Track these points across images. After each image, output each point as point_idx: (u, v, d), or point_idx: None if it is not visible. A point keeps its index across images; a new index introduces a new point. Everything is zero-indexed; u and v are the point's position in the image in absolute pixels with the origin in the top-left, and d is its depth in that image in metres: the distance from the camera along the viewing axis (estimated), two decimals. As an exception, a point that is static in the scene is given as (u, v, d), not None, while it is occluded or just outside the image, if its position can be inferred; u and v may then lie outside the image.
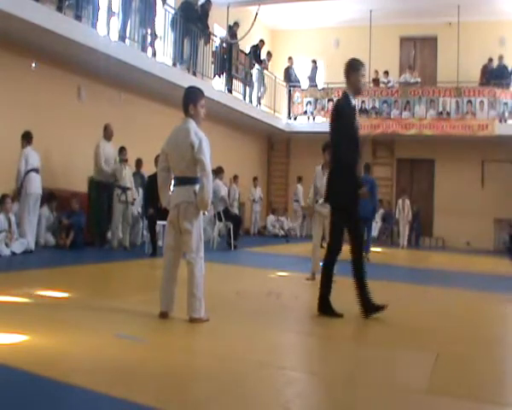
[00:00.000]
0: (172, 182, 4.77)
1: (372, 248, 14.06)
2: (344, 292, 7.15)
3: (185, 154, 4.52)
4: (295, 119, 18.49)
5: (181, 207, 4.54)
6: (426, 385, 3.26)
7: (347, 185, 5.16)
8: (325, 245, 6.13)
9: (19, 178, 8.68)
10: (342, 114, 5.21)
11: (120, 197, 10.29)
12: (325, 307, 5.29)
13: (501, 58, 16.82)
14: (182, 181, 4.60)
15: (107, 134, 10.33)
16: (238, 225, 12.38)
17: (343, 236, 5.53)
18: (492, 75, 16.74)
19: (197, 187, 4.54)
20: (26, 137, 8.81)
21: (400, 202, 15.99)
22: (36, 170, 8.82)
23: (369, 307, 5.18)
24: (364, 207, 11.49)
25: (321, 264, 7.70)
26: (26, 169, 8.66)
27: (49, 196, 9.61)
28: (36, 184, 8.81)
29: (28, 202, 8.71)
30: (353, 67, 5.24)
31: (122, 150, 10.52)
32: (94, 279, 6.72)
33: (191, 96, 4.70)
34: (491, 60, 16.90)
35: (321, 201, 7.65)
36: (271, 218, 18.14)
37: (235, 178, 16.03)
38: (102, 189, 10.21)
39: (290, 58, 18.77)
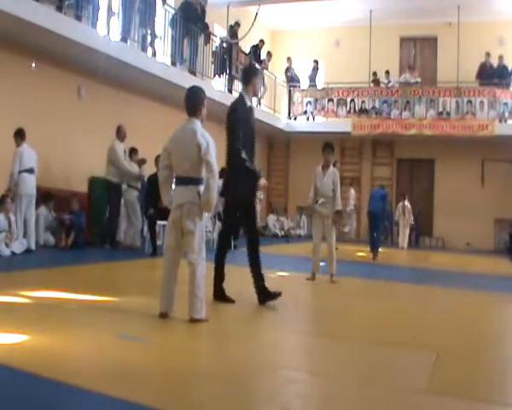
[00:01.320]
0: (174, 181, 4.76)
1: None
2: (343, 290, 7.17)
3: (191, 154, 4.51)
4: (295, 119, 18.49)
5: (184, 207, 4.53)
6: (426, 385, 3.26)
7: (244, 182, 5.49)
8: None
9: (12, 179, 8.50)
10: (237, 114, 5.56)
11: (139, 199, 10.30)
12: (218, 294, 5.55)
13: (501, 58, 16.81)
14: (185, 181, 4.59)
15: (121, 135, 10.24)
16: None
17: (234, 229, 5.90)
18: (492, 75, 16.73)
19: (201, 188, 4.53)
20: (20, 135, 8.61)
21: (400, 205, 15.78)
22: (29, 170, 8.64)
23: (265, 295, 5.49)
24: (375, 204, 12.01)
25: (321, 264, 7.76)
26: (18, 170, 8.51)
27: (46, 196, 9.58)
28: (29, 185, 8.67)
29: (21, 202, 8.62)
30: (254, 72, 5.73)
31: (135, 151, 10.47)
32: (94, 279, 6.72)
33: (200, 98, 4.73)
34: (488, 54, 16.86)
35: (320, 201, 7.66)
36: (271, 217, 18.13)
37: None
38: (113, 190, 10.14)
39: (289, 58, 18.77)
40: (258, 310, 5.45)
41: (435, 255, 14.97)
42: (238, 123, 5.49)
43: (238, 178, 5.50)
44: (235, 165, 5.53)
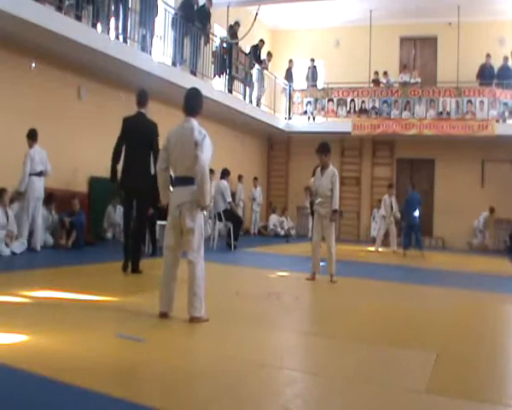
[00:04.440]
0: (172, 182, 4.79)
1: (371, 248, 14.05)
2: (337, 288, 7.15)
3: (190, 153, 4.55)
4: (294, 119, 18.49)
5: (183, 207, 4.56)
6: (426, 385, 3.26)
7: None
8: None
9: (23, 181, 8.57)
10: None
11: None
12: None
13: (506, 59, 16.75)
14: (183, 181, 4.62)
15: None
16: (239, 226, 12.36)
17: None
18: (492, 76, 16.72)
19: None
20: (32, 136, 8.68)
21: (386, 198, 13.95)
22: (38, 173, 8.73)
23: (136, 267, 7.15)
24: (413, 216, 13.29)
25: (321, 264, 7.75)
26: (30, 172, 8.59)
27: (47, 198, 9.58)
28: (38, 188, 8.76)
29: (28, 205, 8.67)
30: (148, 97, 7.36)
31: None
32: (94, 279, 6.72)
33: (200, 100, 4.81)
34: (488, 55, 16.84)
35: (318, 201, 7.67)
36: (273, 217, 18.14)
37: (240, 177, 16.29)
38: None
39: (291, 61, 18.78)
40: (257, 310, 5.45)
41: (435, 255, 14.96)
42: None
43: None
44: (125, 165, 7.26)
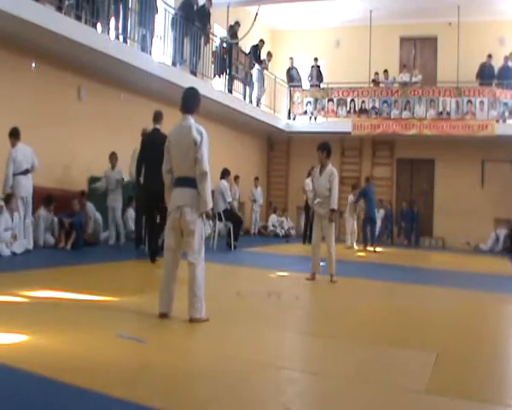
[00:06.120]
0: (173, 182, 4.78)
1: (370, 248, 14.06)
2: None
3: (188, 152, 4.54)
4: (294, 118, 18.48)
5: (184, 208, 4.55)
6: (426, 385, 3.26)
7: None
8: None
9: (7, 182, 8.37)
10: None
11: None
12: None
13: (506, 59, 16.74)
14: (183, 182, 4.61)
15: None
16: (239, 226, 12.35)
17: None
18: (492, 75, 16.71)
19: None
20: (14, 134, 8.47)
21: (351, 197, 14.67)
22: (24, 172, 8.52)
23: (153, 253, 8.19)
24: (374, 209, 14.02)
25: (321, 264, 7.76)
26: (13, 173, 8.40)
27: (47, 199, 9.56)
28: (25, 187, 8.58)
29: (17, 205, 8.54)
30: (162, 116, 8.70)
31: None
32: (94, 279, 6.72)
33: (198, 99, 4.81)
34: (490, 56, 16.83)
35: (316, 201, 7.68)
36: (273, 217, 18.13)
37: (236, 178, 16.19)
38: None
39: (291, 58, 18.76)
40: (258, 310, 5.45)
41: (435, 255, 14.97)
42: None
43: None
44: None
